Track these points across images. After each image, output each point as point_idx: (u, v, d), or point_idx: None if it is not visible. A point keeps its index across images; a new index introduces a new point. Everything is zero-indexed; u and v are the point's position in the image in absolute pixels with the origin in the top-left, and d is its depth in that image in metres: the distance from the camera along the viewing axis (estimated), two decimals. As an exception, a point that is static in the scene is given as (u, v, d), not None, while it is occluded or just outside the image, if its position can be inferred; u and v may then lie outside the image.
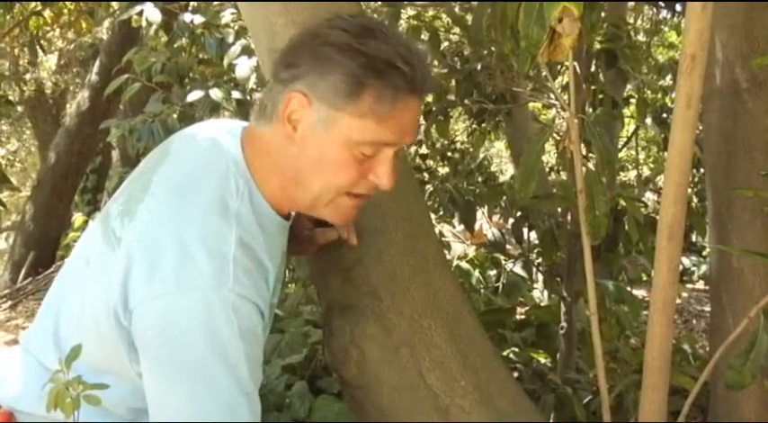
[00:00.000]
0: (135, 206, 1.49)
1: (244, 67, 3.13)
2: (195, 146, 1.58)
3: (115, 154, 8.97)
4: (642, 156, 9.96)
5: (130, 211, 1.49)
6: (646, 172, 9.96)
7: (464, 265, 4.76)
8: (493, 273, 4.13)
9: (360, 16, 1.50)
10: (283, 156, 1.50)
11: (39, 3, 6.88)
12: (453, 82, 3.91)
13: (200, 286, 1.37)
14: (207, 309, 1.36)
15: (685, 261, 7.16)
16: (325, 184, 1.50)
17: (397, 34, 1.49)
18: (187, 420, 1.38)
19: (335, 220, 1.60)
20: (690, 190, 3.50)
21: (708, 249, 5.55)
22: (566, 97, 1.95)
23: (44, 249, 8.34)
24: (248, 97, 3.27)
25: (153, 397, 1.43)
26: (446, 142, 5.16)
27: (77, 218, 8.94)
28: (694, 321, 5.91)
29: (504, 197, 3.86)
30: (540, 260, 3.56)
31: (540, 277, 3.79)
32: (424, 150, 4.97)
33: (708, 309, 3.75)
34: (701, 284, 7.12)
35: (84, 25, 7.29)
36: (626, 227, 2.69)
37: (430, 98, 3.94)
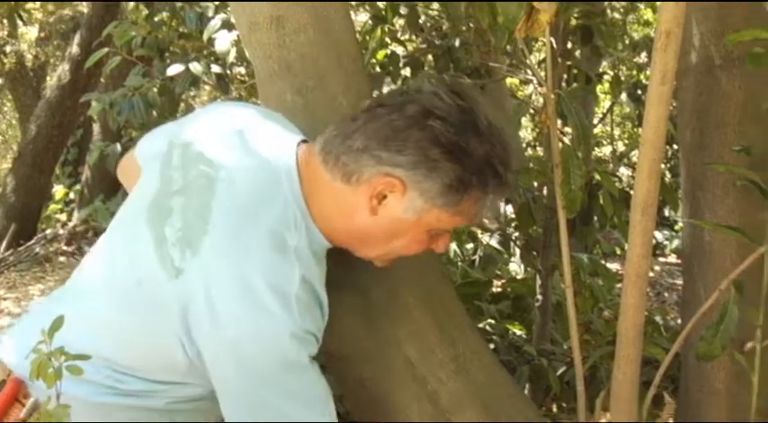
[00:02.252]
0: (197, 238, 1.51)
1: (224, 41, 3.13)
2: (250, 167, 1.58)
3: (96, 127, 8.92)
4: (617, 132, 10.01)
5: (191, 243, 1.51)
6: (620, 147, 10.02)
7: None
8: (470, 246, 4.16)
9: (453, 92, 1.52)
10: (356, 218, 1.55)
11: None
12: (431, 57, 3.92)
13: (270, 329, 1.43)
14: (279, 347, 1.44)
15: (658, 235, 7.22)
16: (395, 252, 1.61)
17: (489, 116, 1.53)
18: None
19: (381, 265, 1.69)
20: (663, 165, 3.53)
21: (680, 224, 5.60)
22: (542, 73, 1.97)
23: (25, 221, 8.29)
24: (228, 71, 3.27)
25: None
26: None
27: (58, 190, 8.91)
28: (666, 294, 5.96)
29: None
30: (516, 234, 3.59)
31: (517, 251, 3.82)
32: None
33: (680, 282, 3.80)
34: (673, 258, 7.17)
35: (64, -3, 7.21)
36: (601, 201, 2.72)
37: (408, 73, 3.95)
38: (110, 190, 8.03)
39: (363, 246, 1.61)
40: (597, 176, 2.69)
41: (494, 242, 3.84)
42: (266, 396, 1.48)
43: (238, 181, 1.56)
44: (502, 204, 3.51)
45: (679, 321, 2.87)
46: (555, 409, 3.22)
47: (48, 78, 10.71)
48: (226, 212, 1.52)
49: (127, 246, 1.62)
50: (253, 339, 1.43)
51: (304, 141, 1.64)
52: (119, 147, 3.71)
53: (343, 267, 1.68)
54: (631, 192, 1.64)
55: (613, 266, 5.09)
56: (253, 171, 1.57)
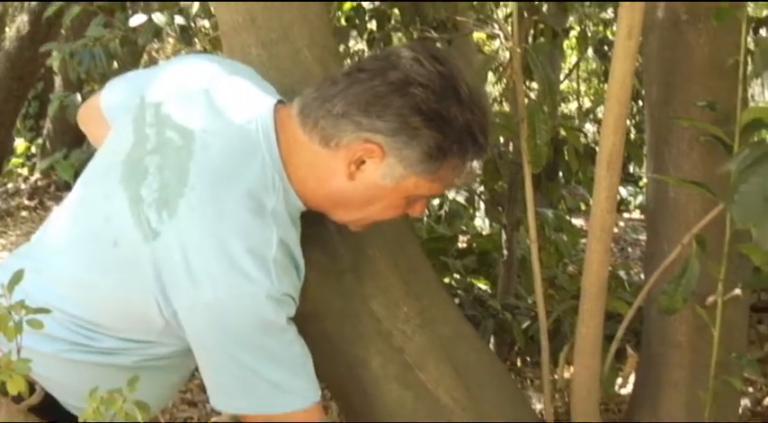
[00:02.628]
0: (174, 200, 1.49)
1: (187, -8, 3.08)
2: (226, 128, 1.56)
3: (57, 80, 8.78)
4: (583, 87, 10.03)
5: (169, 204, 1.49)
6: (586, 103, 10.05)
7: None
8: (436, 202, 4.17)
9: (434, 58, 1.50)
10: (333, 182, 1.54)
11: None
12: (397, 10, 3.89)
13: (249, 291, 1.44)
14: (258, 309, 1.45)
15: (622, 191, 7.26)
16: (370, 217, 1.60)
17: (469, 82, 1.52)
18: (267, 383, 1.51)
19: (355, 230, 1.69)
20: (628, 121, 3.54)
21: (645, 180, 5.64)
22: (509, 28, 1.96)
23: (-14, 175, 8.17)
24: (192, 23, 3.23)
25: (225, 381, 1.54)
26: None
27: (20, 144, 8.77)
28: (630, 249, 6.02)
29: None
30: (482, 189, 3.60)
31: (482, 206, 3.83)
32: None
33: (643, 238, 3.83)
34: (637, 214, 7.23)
35: (21, -54, 7.06)
36: (566, 156, 2.73)
37: (374, 26, 3.92)
38: (72, 143, 7.88)
39: (339, 210, 1.60)
40: (563, 132, 2.70)
41: (459, 198, 3.84)
42: (244, 358, 1.49)
43: (215, 143, 1.54)
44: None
45: (642, 276, 2.89)
46: (519, 363, 3.27)
47: (6, 29, 10.50)
48: (203, 174, 1.51)
49: (99, 203, 1.59)
50: (231, 301, 1.44)
51: (280, 102, 1.62)
52: (79, 97, 3.65)
53: (308, 223, 1.67)
54: (596, 147, 1.64)
55: (578, 222, 5.12)
56: (229, 133, 1.55)
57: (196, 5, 3.04)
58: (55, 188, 7.79)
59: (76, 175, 1.72)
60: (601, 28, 5.73)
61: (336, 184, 1.54)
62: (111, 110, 1.73)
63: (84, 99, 3.55)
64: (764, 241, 1.46)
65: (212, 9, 1.96)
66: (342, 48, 4.25)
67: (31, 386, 1.55)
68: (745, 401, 2.44)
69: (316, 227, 1.70)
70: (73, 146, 7.74)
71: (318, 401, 1.57)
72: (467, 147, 1.49)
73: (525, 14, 3.14)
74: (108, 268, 1.55)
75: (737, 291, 1.82)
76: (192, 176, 1.50)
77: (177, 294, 1.47)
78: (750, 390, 2.63)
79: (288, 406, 1.53)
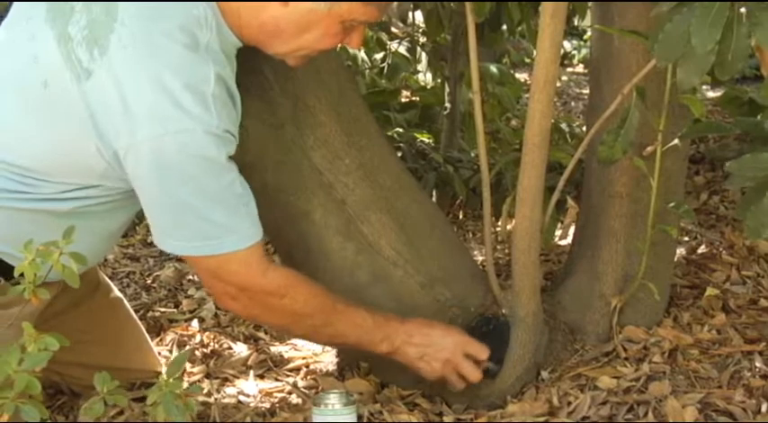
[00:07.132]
0: (104, 35, 1.45)
1: None
2: None
3: None
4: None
5: (99, 41, 1.45)
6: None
7: (349, 46, 4.58)
8: (378, 55, 4.09)
9: None
10: (268, 10, 1.52)
11: None
12: None
13: (190, 128, 1.43)
14: (199, 145, 1.45)
15: (566, 44, 7.22)
16: (308, 46, 1.58)
17: None
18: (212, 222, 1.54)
19: (294, 64, 1.67)
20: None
21: (589, 33, 5.59)
22: None
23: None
24: None
25: (166, 218, 1.56)
26: None
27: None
28: (573, 103, 5.99)
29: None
30: (425, 41, 3.55)
31: (425, 58, 3.79)
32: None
33: (586, 92, 3.81)
34: (580, 68, 7.20)
35: None
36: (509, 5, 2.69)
37: None
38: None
39: (275, 41, 1.58)
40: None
41: (402, 50, 3.79)
42: (185, 196, 1.50)
43: None
44: (410, 12, 3.45)
45: (585, 129, 2.90)
46: (461, 216, 3.29)
47: None
48: (132, 8, 1.47)
49: (25, 45, 1.55)
50: (171, 138, 1.44)
51: None
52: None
53: (246, 73, 1.64)
54: (541, -5, 1.61)
55: (522, 76, 5.09)
56: None
57: None
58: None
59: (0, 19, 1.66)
60: None
61: (271, 12, 1.52)
62: None
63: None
64: (687, 81, 1.47)
65: None
66: None
67: None
68: (680, 250, 2.49)
69: (254, 76, 1.68)
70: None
71: (261, 242, 1.60)
72: None
73: None
74: (40, 111, 1.52)
75: (676, 141, 1.82)
76: (122, 11, 1.46)
77: (116, 134, 1.46)
78: (686, 238, 2.68)
79: (231, 246, 1.55)
